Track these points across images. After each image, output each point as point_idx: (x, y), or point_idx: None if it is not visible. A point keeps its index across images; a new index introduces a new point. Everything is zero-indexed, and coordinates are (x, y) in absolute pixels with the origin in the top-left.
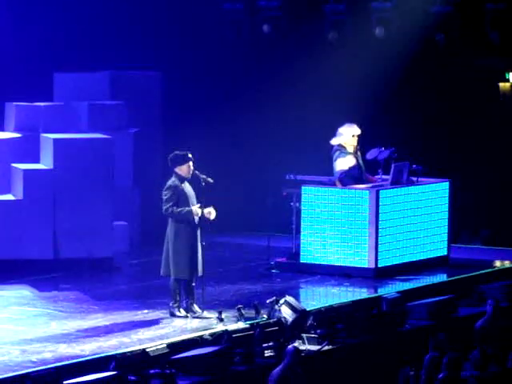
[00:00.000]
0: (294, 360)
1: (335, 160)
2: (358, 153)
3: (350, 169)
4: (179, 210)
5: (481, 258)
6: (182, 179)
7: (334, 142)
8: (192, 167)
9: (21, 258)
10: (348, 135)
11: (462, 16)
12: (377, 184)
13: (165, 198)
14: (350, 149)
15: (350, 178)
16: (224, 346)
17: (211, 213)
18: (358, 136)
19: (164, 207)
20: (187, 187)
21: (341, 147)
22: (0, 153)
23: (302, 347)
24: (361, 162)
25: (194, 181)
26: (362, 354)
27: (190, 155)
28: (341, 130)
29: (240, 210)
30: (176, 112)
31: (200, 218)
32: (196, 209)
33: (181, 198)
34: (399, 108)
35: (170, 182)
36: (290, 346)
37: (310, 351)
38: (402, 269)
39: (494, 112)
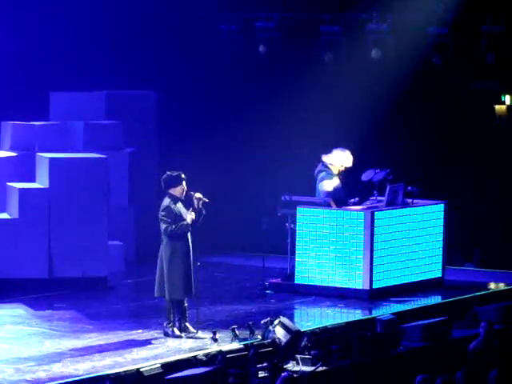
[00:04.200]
0: None
1: (321, 181)
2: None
3: (335, 190)
4: (176, 226)
5: (475, 280)
6: (175, 199)
7: (325, 158)
8: (185, 187)
9: (15, 277)
10: (339, 162)
11: (458, 38)
12: (372, 205)
13: (163, 219)
14: (335, 171)
15: (335, 199)
16: (218, 367)
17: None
18: (347, 168)
19: (163, 228)
20: (180, 207)
21: (326, 168)
22: None
23: (296, 368)
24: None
25: (186, 200)
26: (356, 376)
27: (183, 176)
28: (336, 152)
29: (235, 231)
30: (171, 132)
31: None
32: (190, 217)
33: (176, 218)
34: (395, 129)
35: (165, 203)
36: (284, 373)
37: (303, 372)
38: (396, 290)
39: (490, 134)
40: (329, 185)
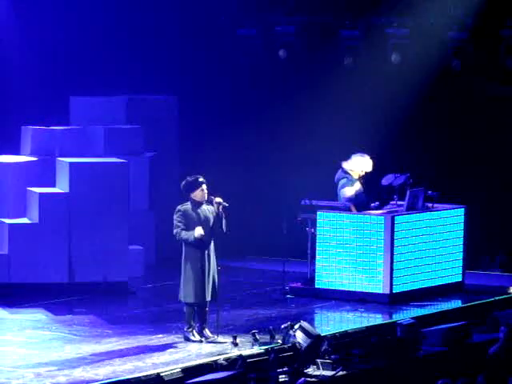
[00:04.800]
0: None
1: (342, 187)
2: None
3: (357, 195)
4: (184, 234)
5: (496, 284)
6: (197, 204)
7: (345, 165)
8: (206, 190)
9: (36, 281)
10: (359, 167)
11: (477, 42)
12: (392, 210)
13: (174, 222)
14: (356, 176)
15: (356, 204)
16: (238, 371)
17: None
18: (367, 173)
19: (173, 231)
20: (203, 211)
21: (346, 174)
22: (16, 176)
23: (317, 372)
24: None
25: (209, 204)
26: (377, 380)
27: (201, 179)
28: (355, 158)
29: (255, 235)
30: (191, 136)
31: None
32: (197, 231)
33: (191, 223)
34: (414, 134)
35: (179, 206)
36: (301, 380)
37: (324, 376)
38: (416, 295)
39: (508, 139)
40: (350, 191)
